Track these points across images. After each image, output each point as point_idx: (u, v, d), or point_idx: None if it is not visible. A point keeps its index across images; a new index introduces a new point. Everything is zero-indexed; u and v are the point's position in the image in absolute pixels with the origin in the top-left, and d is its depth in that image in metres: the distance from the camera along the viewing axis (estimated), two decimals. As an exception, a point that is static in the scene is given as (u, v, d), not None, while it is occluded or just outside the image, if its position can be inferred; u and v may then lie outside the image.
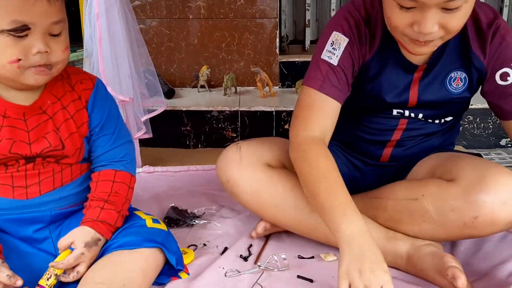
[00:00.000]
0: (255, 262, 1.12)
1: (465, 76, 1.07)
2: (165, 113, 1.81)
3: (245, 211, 1.33)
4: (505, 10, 2.62)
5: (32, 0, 0.82)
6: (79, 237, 0.92)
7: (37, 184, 0.94)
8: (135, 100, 1.63)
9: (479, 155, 1.19)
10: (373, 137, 1.17)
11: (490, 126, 2.03)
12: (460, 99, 1.10)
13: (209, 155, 1.96)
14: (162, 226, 1.03)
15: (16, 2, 0.82)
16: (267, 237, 1.22)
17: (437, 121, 1.15)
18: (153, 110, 1.73)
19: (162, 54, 2.34)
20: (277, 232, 1.23)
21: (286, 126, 2.02)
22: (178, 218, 1.30)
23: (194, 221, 1.31)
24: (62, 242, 0.92)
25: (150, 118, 1.71)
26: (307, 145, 1.02)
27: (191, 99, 2.15)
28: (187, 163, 1.80)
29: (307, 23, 2.53)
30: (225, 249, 1.17)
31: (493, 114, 1.99)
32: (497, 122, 2.02)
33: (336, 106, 1.05)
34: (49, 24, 0.85)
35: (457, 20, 0.92)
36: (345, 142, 1.22)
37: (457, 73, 1.07)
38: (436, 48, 0.99)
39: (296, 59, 2.37)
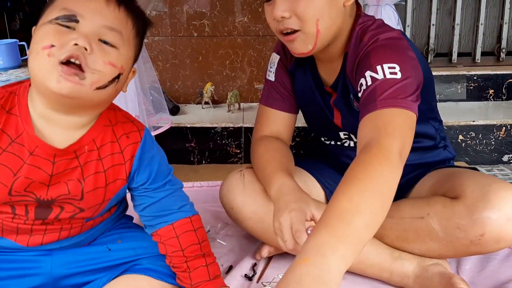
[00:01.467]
0: (258, 281, 1.12)
1: (356, 94, 1.06)
2: (170, 129, 1.83)
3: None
4: (505, 27, 2.65)
5: None
6: None
7: (41, 235, 0.89)
8: (141, 117, 1.65)
9: (475, 170, 1.20)
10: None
11: (493, 142, 2.05)
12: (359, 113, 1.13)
13: (213, 171, 1.97)
14: None
15: None
16: (269, 258, 1.23)
17: None
18: (159, 127, 1.76)
19: (167, 71, 2.36)
20: (279, 254, 1.23)
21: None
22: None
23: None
24: None
25: (155, 135, 1.72)
26: (259, 142, 1.19)
27: (195, 116, 2.17)
28: (192, 179, 1.82)
29: (309, 40, 2.56)
30: (230, 267, 1.18)
31: (495, 130, 2.02)
32: (499, 138, 2.04)
33: (281, 115, 1.22)
34: (100, 25, 0.76)
35: (306, 7, 0.96)
36: (339, 168, 1.24)
37: (352, 94, 1.10)
38: (309, 47, 1.01)
39: (299, 76, 2.39)
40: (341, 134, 1.21)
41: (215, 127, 2.03)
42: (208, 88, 2.24)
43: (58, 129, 0.82)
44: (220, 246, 1.30)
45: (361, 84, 0.96)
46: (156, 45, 2.34)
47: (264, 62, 2.34)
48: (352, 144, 1.23)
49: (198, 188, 1.73)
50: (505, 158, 2.06)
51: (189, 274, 0.93)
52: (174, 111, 2.15)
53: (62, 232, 0.90)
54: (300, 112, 1.28)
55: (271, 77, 1.22)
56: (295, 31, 0.99)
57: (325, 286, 0.65)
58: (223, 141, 2.03)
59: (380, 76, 0.93)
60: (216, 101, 2.34)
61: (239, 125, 2.03)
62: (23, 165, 0.80)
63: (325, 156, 1.32)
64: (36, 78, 0.76)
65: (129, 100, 1.59)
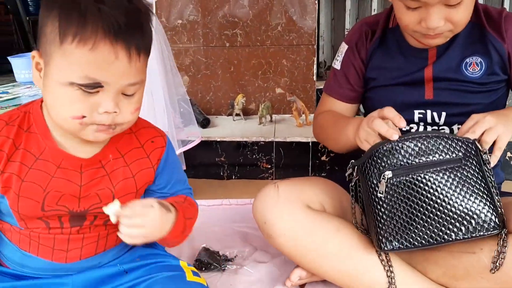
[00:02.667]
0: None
1: (481, 61, 1.09)
2: (200, 143, 1.79)
3: (279, 254, 1.27)
4: None
5: (111, 58, 0.74)
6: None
7: (79, 249, 0.89)
8: (170, 133, 1.61)
9: None
10: None
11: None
12: (481, 85, 1.09)
13: (243, 187, 1.92)
14: (202, 280, 0.97)
15: (94, 58, 0.73)
16: (301, 287, 1.16)
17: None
18: (188, 141, 1.72)
19: (198, 82, 2.32)
20: (313, 282, 1.16)
21: (323, 158, 1.95)
22: (209, 261, 1.26)
23: (226, 266, 1.26)
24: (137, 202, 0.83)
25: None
26: (317, 116, 1.27)
27: (226, 129, 2.12)
28: (221, 195, 1.77)
29: (345, 48, 2.47)
30: (258, 299, 1.12)
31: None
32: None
33: (340, 104, 1.25)
34: (124, 85, 0.78)
35: (462, 13, 1.00)
36: None
37: (472, 58, 1.10)
38: (448, 39, 1.07)
39: (334, 86, 2.31)
40: (416, 113, 1.14)
41: (246, 141, 1.97)
42: (240, 99, 2.19)
43: (79, 144, 0.85)
44: (247, 274, 1.23)
45: None
46: (188, 55, 2.31)
47: (297, 72, 2.27)
48: (421, 128, 1.14)
49: (227, 206, 1.68)
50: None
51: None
52: (205, 123, 2.11)
53: (99, 242, 0.91)
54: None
55: (337, 65, 1.25)
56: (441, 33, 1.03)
57: None
58: (254, 156, 1.97)
59: None
60: (247, 113, 2.29)
61: (270, 139, 1.96)
62: (51, 180, 0.83)
63: None
64: (63, 128, 0.81)
65: (158, 117, 1.55)
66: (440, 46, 1.11)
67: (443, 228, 0.93)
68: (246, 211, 1.63)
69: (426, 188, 0.93)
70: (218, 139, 1.98)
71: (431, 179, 0.93)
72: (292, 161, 1.96)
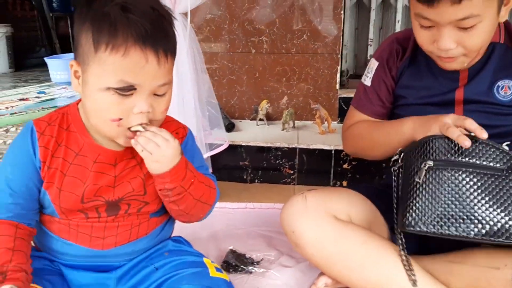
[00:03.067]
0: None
1: None
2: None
3: (305, 260, 1.30)
4: None
5: (142, 62, 0.81)
6: None
7: (114, 236, 0.95)
8: (198, 137, 1.66)
9: None
10: None
11: None
12: (509, 108, 1.09)
13: (266, 191, 1.96)
14: (225, 276, 1.01)
15: (126, 63, 0.80)
16: (328, 291, 1.20)
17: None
18: (215, 145, 1.76)
19: (224, 86, 2.37)
20: (338, 288, 1.20)
21: (345, 166, 1.99)
22: (236, 264, 1.30)
23: (253, 269, 1.30)
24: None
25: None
26: (347, 129, 1.27)
27: (250, 133, 2.17)
28: (244, 199, 1.81)
29: (368, 58, 2.51)
30: (285, 302, 1.16)
31: None
32: None
33: (368, 119, 1.26)
34: (156, 86, 0.84)
35: (475, 39, 0.99)
36: None
37: (504, 81, 1.09)
38: (465, 64, 1.06)
39: (356, 95, 2.34)
40: None
41: (270, 147, 2.01)
42: (264, 105, 2.23)
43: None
44: (274, 277, 1.27)
45: None
46: (215, 60, 2.35)
47: (321, 80, 2.31)
48: None
49: (251, 209, 1.72)
50: None
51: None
52: (230, 128, 2.16)
53: (132, 230, 0.96)
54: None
55: (367, 81, 1.25)
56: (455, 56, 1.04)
57: None
58: (277, 161, 2.01)
59: None
60: (270, 118, 2.33)
61: (293, 146, 2.00)
62: (90, 174, 0.90)
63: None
64: (102, 131, 0.88)
65: (188, 122, 1.60)
66: (472, 68, 1.11)
67: (463, 225, 0.94)
68: (269, 215, 1.67)
69: (460, 185, 0.96)
70: (243, 143, 2.02)
71: (467, 179, 0.96)
72: (314, 167, 2.00)
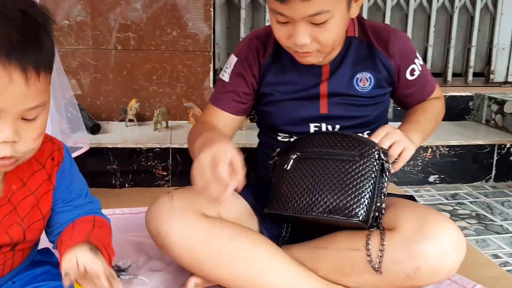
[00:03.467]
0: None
1: (370, 76, 1.15)
2: (89, 150, 1.69)
3: (175, 262, 1.23)
4: (429, 50, 2.75)
5: (5, 82, 0.65)
6: (79, 253, 0.74)
7: None
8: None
9: (412, 198, 1.23)
10: None
11: (419, 164, 2.08)
12: (370, 98, 1.15)
13: (137, 196, 1.84)
14: None
15: None
16: (198, 291, 1.13)
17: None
18: (75, 149, 1.61)
19: (88, 86, 2.20)
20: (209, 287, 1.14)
21: (220, 164, 1.94)
22: (99, 274, 1.17)
23: (119, 276, 1.19)
24: (66, 265, 0.74)
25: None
26: (199, 127, 1.18)
27: (118, 135, 2.03)
28: (113, 205, 1.67)
29: (241, 56, 2.51)
30: (153, 308, 1.07)
31: (422, 152, 2.06)
32: (426, 159, 2.08)
33: (228, 117, 1.20)
34: (23, 110, 0.68)
35: (328, 34, 1.02)
36: None
37: (362, 74, 1.15)
38: (320, 59, 1.09)
39: (230, 93, 2.32)
40: (312, 127, 1.17)
41: (140, 148, 1.89)
42: (133, 104, 2.11)
43: None
44: (142, 283, 1.18)
45: (414, 70, 1.18)
46: (76, 58, 2.17)
47: (194, 78, 2.25)
48: None
49: (120, 215, 1.59)
50: (431, 179, 2.10)
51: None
52: (94, 129, 2.00)
53: (6, 264, 0.82)
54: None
55: (226, 77, 1.20)
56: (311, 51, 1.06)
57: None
58: (149, 163, 1.90)
59: (421, 61, 1.21)
60: (141, 119, 2.21)
61: (166, 146, 1.91)
62: None
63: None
64: None
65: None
66: (333, 62, 1.15)
67: (314, 206, 1.03)
68: (140, 220, 1.55)
69: (322, 173, 1.04)
70: (110, 146, 1.87)
71: (323, 166, 1.04)
72: (190, 167, 1.92)
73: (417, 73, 1.18)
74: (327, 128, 1.17)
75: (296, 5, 0.98)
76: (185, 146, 1.91)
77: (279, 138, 1.21)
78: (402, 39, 1.17)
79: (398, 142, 1.03)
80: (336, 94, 1.15)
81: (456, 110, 2.53)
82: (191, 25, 2.21)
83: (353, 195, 1.00)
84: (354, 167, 1.02)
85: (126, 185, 1.90)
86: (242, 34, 2.50)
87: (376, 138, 1.05)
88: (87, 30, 2.15)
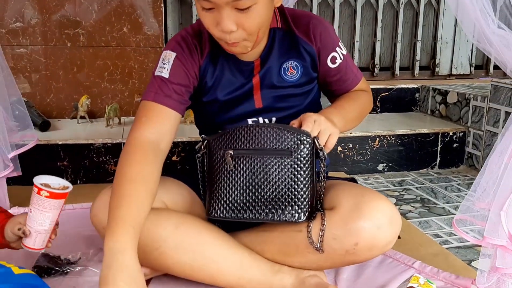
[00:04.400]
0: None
1: (296, 64, 1.17)
2: (39, 147, 1.66)
3: None
4: (378, 45, 2.85)
5: None
6: None
7: None
8: (1, 135, 1.47)
9: (354, 180, 1.27)
10: None
11: (368, 153, 2.16)
12: (299, 87, 1.18)
13: (90, 191, 1.80)
14: (29, 271, 0.93)
15: None
16: (147, 281, 1.14)
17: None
18: (22, 145, 1.58)
19: (37, 83, 2.16)
20: (157, 276, 1.15)
21: (174, 158, 1.95)
22: (49, 266, 1.17)
23: (69, 269, 1.19)
24: None
25: (20, 154, 1.54)
26: (134, 148, 1.04)
27: (69, 131, 2.00)
28: (65, 202, 1.65)
29: (194, 53, 2.52)
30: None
31: (370, 141, 2.14)
32: (374, 148, 2.16)
33: (172, 114, 1.10)
34: None
35: (252, 20, 1.01)
36: None
37: (288, 63, 1.16)
38: (248, 48, 1.07)
39: (184, 89, 2.33)
40: (249, 122, 1.18)
41: (92, 144, 1.88)
42: (84, 101, 2.08)
43: None
44: (92, 274, 1.18)
45: (335, 57, 1.18)
46: (24, 55, 2.13)
47: (146, 74, 2.25)
48: None
49: (70, 210, 1.58)
50: (380, 167, 2.19)
51: None
52: (44, 126, 1.97)
53: None
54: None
55: (165, 73, 1.10)
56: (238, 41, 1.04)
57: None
58: (101, 158, 1.89)
59: (345, 52, 1.22)
60: (94, 116, 2.19)
61: (118, 141, 1.90)
62: None
63: None
64: None
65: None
66: (262, 55, 1.16)
67: (263, 208, 1.04)
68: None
69: (259, 170, 1.03)
70: (60, 142, 1.85)
71: (263, 163, 1.03)
72: (142, 162, 1.93)
73: (338, 61, 1.18)
74: (263, 122, 1.18)
75: None
76: (138, 141, 1.91)
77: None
78: (322, 25, 1.17)
79: (325, 129, 1.03)
80: (267, 87, 1.17)
81: (404, 102, 2.64)
82: (142, 21, 2.21)
83: (295, 195, 1.02)
84: (286, 162, 1.03)
85: (78, 182, 1.89)
86: (195, 30, 2.51)
87: (306, 127, 1.03)
88: (36, 27, 2.11)
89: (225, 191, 1.06)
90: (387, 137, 2.17)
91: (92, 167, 1.89)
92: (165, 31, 2.36)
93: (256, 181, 1.04)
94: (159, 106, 1.09)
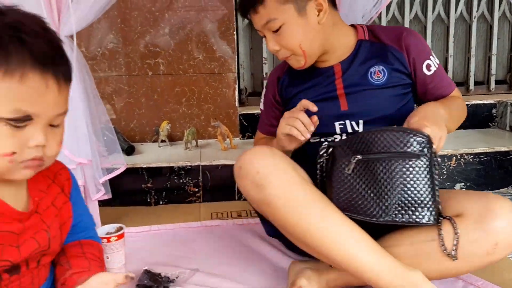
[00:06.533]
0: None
1: (383, 69, 1.24)
2: (125, 170, 1.78)
3: (219, 275, 1.31)
4: (450, 60, 2.78)
5: (42, 89, 0.72)
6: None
7: None
8: (94, 161, 1.60)
9: None
10: None
11: (445, 172, 2.11)
12: (386, 90, 1.23)
13: (171, 212, 1.93)
14: None
15: (23, 89, 0.70)
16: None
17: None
18: (112, 169, 1.70)
19: (122, 110, 2.33)
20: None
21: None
22: (152, 284, 1.25)
23: (167, 287, 1.26)
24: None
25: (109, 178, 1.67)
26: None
27: (151, 155, 2.14)
28: (149, 222, 1.76)
29: (264, 75, 2.60)
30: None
31: (446, 160, 2.09)
32: (451, 167, 2.11)
33: (268, 138, 1.39)
34: (54, 116, 0.75)
35: (286, 39, 1.19)
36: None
37: (375, 67, 1.25)
38: (302, 63, 1.24)
39: (255, 111, 2.41)
40: (337, 125, 1.25)
41: (172, 167, 1.99)
42: (164, 126, 2.21)
43: (11, 189, 0.80)
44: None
45: (429, 65, 1.25)
46: (110, 84, 2.30)
47: (220, 98, 2.35)
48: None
49: (156, 231, 1.68)
50: (458, 186, 2.13)
51: (70, 269, 0.90)
52: (129, 151, 2.11)
53: (34, 281, 0.86)
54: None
55: (261, 105, 1.44)
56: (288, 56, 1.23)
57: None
58: (181, 180, 2.00)
59: (437, 61, 1.29)
60: (173, 139, 2.32)
61: (196, 163, 2.00)
62: None
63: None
64: None
65: (81, 145, 1.54)
66: (343, 62, 1.27)
67: (392, 210, 1.04)
68: (175, 235, 1.65)
69: (382, 173, 1.05)
70: (144, 166, 1.98)
71: (391, 166, 1.04)
72: (219, 183, 2.01)
73: (433, 68, 1.25)
74: (351, 125, 1.24)
75: (253, 19, 1.22)
76: (214, 163, 2.01)
77: (310, 140, 1.23)
78: (414, 35, 1.26)
79: (436, 132, 1.05)
80: (352, 90, 1.24)
81: (480, 118, 2.55)
82: (216, 48, 2.32)
83: (422, 197, 1.03)
84: (414, 165, 1.03)
85: (161, 202, 2.00)
86: (265, 55, 2.59)
87: (425, 129, 1.04)
88: (119, 57, 2.28)
89: (348, 193, 1.08)
90: (464, 156, 2.11)
91: (173, 189, 2.00)
92: (237, 57, 2.45)
93: (380, 184, 1.04)
94: (259, 133, 1.48)
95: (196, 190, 2.01)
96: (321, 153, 1.16)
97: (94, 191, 1.60)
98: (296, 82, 1.33)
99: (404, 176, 1.03)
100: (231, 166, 1.99)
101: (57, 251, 0.91)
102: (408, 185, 1.03)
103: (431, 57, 1.26)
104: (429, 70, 1.25)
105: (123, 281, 0.84)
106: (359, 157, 1.07)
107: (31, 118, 0.72)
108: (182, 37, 2.30)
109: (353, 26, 1.33)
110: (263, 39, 2.57)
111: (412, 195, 1.03)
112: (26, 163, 0.75)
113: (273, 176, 1.05)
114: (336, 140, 1.25)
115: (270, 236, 1.35)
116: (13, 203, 0.80)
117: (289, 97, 1.33)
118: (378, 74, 1.24)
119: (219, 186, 2.01)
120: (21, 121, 0.72)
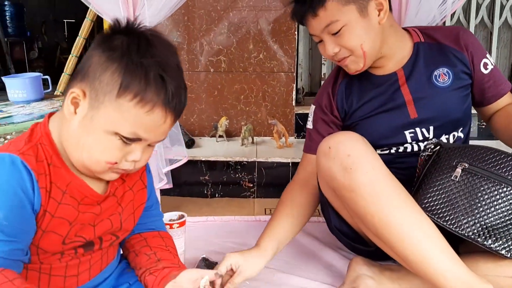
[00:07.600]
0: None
1: (447, 71, 1.22)
2: (185, 162, 1.86)
3: (271, 268, 1.36)
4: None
5: (161, 122, 0.81)
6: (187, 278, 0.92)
7: (87, 271, 0.92)
8: (158, 152, 1.69)
9: None
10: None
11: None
12: (453, 92, 1.21)
13: (226, 205, 2.00)
14: None
15: (148, 120, 0.79)
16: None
17: (448, 137, 1.22)
18: (175, 161, 1.79)
19: (183, 104, 2.42)
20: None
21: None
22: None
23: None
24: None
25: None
26: (289, 188, 1.30)
27: (210, 149, 2.22)
28: (205, 213, 1.84)
29: (322, 76, 2.63)
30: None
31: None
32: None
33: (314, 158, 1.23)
34: (158, 141, 0.85)
35: (348, 39, 1.16)
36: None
37: (439, 70, 1.22)
38: (361, 65, 1.20)
39: (312, 111, 2.43)
40: (407, 134, 1.21)
41: (229, 161, 2.07)
42: (223, 122, 2.29)
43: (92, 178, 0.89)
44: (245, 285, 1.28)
45: (486, 64, 1.23)
46: (173, 79, 2.40)
47: (277, 97, 2.40)
48: (416, 148, 1.22)
49: (211, 222, 1.76)
50: None
51: (159, 261, 0.98)
52: (190, 144, 2.20)
53: (103, 258, 0.95)
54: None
55: (309, 125, 1.35)
56: (345, 57, 1.19)
57: None
58: (237, 175, 2.07)
59: (493, 60, 1.26)
60: (230, 135, 2.39)
61: (252, 159, 2.06)
62: (76, 214, 0.85)
63: None
64: (89, 167, 0.84)
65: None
66: (405, 67, 1.24)
67: (475, 227, 1.02)
68: (230, 227, 1.71)
69: (487, 193, 1.03)
70: (203, 159, 2.06)
71: (492, 187, 1.03)
72: (273, 180, 2.07)
73: (490, 67, 1.24)
74: (422, 132, 1.20)
75: (311, 23, 1.18)
76: (270, 160, 2.06)
77: (378, 152, 1.22)
78: (471, 34, 1.25)
79: None
80: (420, 96, 1.21)
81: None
82: (276, 48, 2.37)
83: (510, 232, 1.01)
84: None
85: (216, 195, 2.08)
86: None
87: None
88: (184, 54, 2.38)
89: (441, 196, 1.06)
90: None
91: (229, 183, 2.07)
92: (297, 56, 2.49)
93: (477, 201, 1.03)
94: (308, 155, 1.33)
95: (251, 185, 2.07)
96: (427, 147, 1.15)
97: (157, 180, 1.69)
98: (356, 93, 1.27)
99: (506, 203, 1.01)
100: (286, 164, 2.05)
101: (129, 232, 0.99)
102: (505, 212, 1.01)
103: (487, 55, 1.25)
104: (486, 68, 1.23)
105: (212, 278, 0.91)
106: (466, 165, 1.06)
107: (140, 140, 0.82)
108: (244, 36, 2.37)
109: (404, 29, 1.31)
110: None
111: (506, 224, 1.01)
112: (117, 170, 0.85)
113: (363, 162, 1.03)
114: (407, 149, 1.22)
115: (335, 228, 1.29)
116: (95, 186, 0.89)
117: (353, 110, 1.27)
118: (443, 76, 1.22)
119: (273, 183, 2.07)
120: (132, 140, 0.82)
